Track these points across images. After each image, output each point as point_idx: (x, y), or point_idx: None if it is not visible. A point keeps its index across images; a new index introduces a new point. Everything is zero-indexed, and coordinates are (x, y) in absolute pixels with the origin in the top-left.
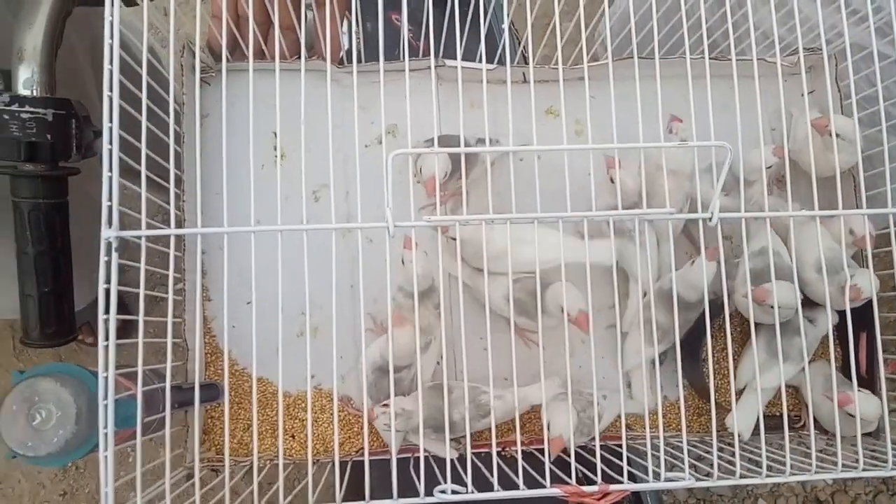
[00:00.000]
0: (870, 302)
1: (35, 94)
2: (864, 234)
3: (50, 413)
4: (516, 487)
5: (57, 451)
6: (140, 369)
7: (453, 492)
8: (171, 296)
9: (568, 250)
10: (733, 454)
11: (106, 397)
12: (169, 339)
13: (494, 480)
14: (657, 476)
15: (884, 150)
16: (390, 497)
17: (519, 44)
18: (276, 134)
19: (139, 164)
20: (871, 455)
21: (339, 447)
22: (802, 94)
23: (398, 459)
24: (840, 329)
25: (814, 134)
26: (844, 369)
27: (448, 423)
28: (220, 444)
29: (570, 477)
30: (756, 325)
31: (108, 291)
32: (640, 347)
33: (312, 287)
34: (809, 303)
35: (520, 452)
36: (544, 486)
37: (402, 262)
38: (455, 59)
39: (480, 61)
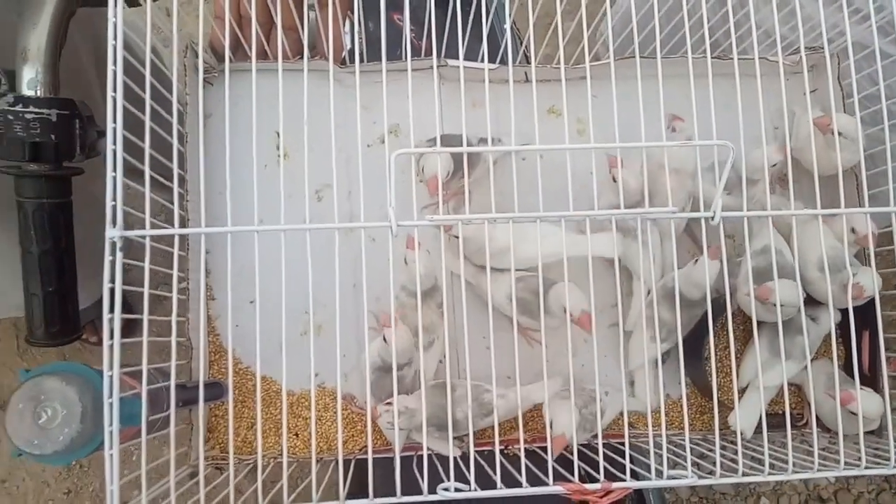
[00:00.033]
0: (872, 300)
1: (39, 94)
2: (866, 232)
3: (55, 411)
4: (519, 485)
5: (63, 449)
6: (145, 368)
7: (456, 489)
8: (175, 295)
9: (570, 244)
10: (736, 452)
11: (111, 396)
12: (173, 338)
13: (497, 478)
14: (660, 474)
15: (886, 149)
16: (394, 495)
17: (521, 43)
18: (279, 134)
19: (143, 164)
20: (873, 453)
21: (343, 445)
22: (804, 93)
23: (401, 458)
24: (843, 327)
25: (816, 132)
26: (847, 367)
27: (451, 421)
28: (224, 442)
29: (572, 475)
30: (759, 323)
31: (112, 291)
32: (645, 346)
33: (315, 286)
34: (812, 301)
35: (523, 450)
36: (547, 484)
37: (406, 262)
38: (457, 58)
39: (482, 61)
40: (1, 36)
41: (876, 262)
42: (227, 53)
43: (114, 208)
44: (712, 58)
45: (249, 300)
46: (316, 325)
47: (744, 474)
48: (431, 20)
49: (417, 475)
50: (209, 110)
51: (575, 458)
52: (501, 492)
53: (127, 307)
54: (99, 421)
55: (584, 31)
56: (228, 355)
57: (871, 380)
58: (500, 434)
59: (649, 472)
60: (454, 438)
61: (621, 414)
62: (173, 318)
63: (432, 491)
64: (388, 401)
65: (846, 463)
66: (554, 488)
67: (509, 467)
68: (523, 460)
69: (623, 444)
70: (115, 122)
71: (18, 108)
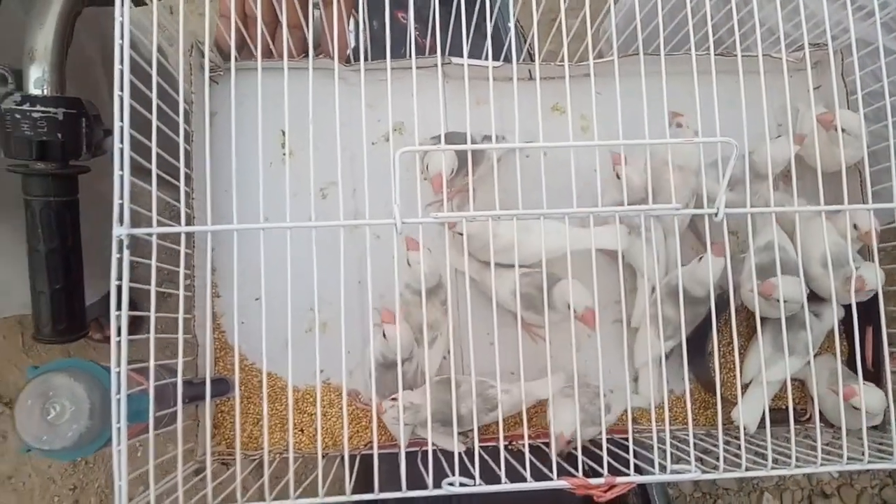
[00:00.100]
0: (876, 296)
1: (46, 93)
2: (869, 228)
3: (64, 408)
4: (523, 480)
5: (71, 445)
6: (152, 365)
7: (461, 484)
8: (181, 292)
9: (574, 238)
10: (739, 447)
11: (118, 392)
12: (180, 335)
13: (502, 473)
14: (663, 468)
15: (889, 146)
16: (399, 489)
17: (525, 41)
18: (284, 132)
19: (149, 162)
20: (877, 448)
21: (348, 441)
22: (808, 90)
23: (406, 453)
24: (846, 323)
25: (819, 129)
26: (850, 363)
27: (456, 416)
28: (230, 438)
29: (576, 469)
30: (762, 319)
31: (119, 288)
32: (651, 343)
33: (320, 283)
34: (815, 297)
35: (527, 446)
36: (551, 479)
37: (408, 264)
38: (461, 56)
39: (486, 58)
40: (8, 35)
41: (879, 258)
42: (234, 52)
43: (121, 206)
44: (716, 55)
45: (255, 297)
46: (321, 323)
47: (747, 469)
48: (436, 18)
49: (422, 470)
50: (214, 109)
51: (579, 453)
52: (506, 486)
53: (131, 304)
54: (106, 417)
55: (587, 28)
56: (235, 352)
57: (874, 375)
58: (504, 429)
59: (653, 466)
60: (459, 434)
61: (626, 410)
62: (180, 315)
63: (437, 486)
64: (394, 396)
65: (849, 458)
66: (558, 483)
67: (513, 462)
68: (527, 455)
69: (627, 439)
70: (122, 120)
71: (25, 106)
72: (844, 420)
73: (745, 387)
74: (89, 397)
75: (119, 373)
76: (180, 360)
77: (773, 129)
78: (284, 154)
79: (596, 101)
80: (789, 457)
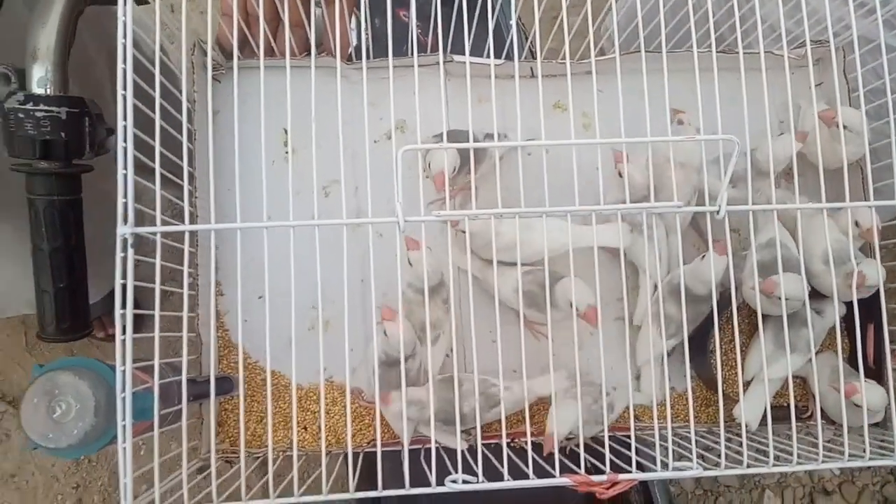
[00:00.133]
0: (877, 293)
1: (49, 92)
2: (870, 225)
3: (69, 406)
4: (526, 477)
5: (76, 443)
6: (157, 363)
7: (464, 481)
8: (185, 291)
9: (576, 236)
10: (741, 444)
11: (124, 390)
12: (184, 334)
13: (504, 470)
14: (665, 466)
15: (891, 143)
16: (402, 487)
17: (527, 39)
18: (286, 130)
19: (153, 161)
20: (878, 444)
21: (351, 439)
22: (810, 87)
23: (409, 451)
24: (847, 320)
25: (821, 126)
26: (852, 360)
27: (458, 415)
28: (234, 436)
29: (579, 467)
30: (764, 316)
31: (124, 287)
32: (653, 341)
33: (323, 281)
34: (817, 294)
35: (529, 443)
36: (554, 476)
37: (410, 263)
38: (463, 54)
39: (488, 56)
40: (11, 35)
41: (881, 256)
42: (236, 51)
43: (125, 205)
44: (717, 52)
45: (258, 295)
46: (324, 321)
47: (748, 466)
48: (437, 16)
49: (425, 467)
50: (217, 107)
51: (581, 450)
52: (508, 483)
53: (135, 303)
54: (112, 415)
55: (589, 25)
56: (239, 350)
57: (875, 372)
58: (507, 427)
59: (655, 464)
60: (461, 432)
61: (627, 407)
62: (184, 313)
63: (440, 483)
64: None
65: (850, 454)
66: (561, 480)
67: (516, 460)
68: (530, 453)
69: (629, 436)
70: (125, 119)
71: (29, 106)
72: (846, 417)
73: (746, 384)
74: (94, 395)
75: (124, 371)
76: (184, 358)
77: (775, 126)
78: (287, 152)
79: (598, 98)
80: (791, 454)
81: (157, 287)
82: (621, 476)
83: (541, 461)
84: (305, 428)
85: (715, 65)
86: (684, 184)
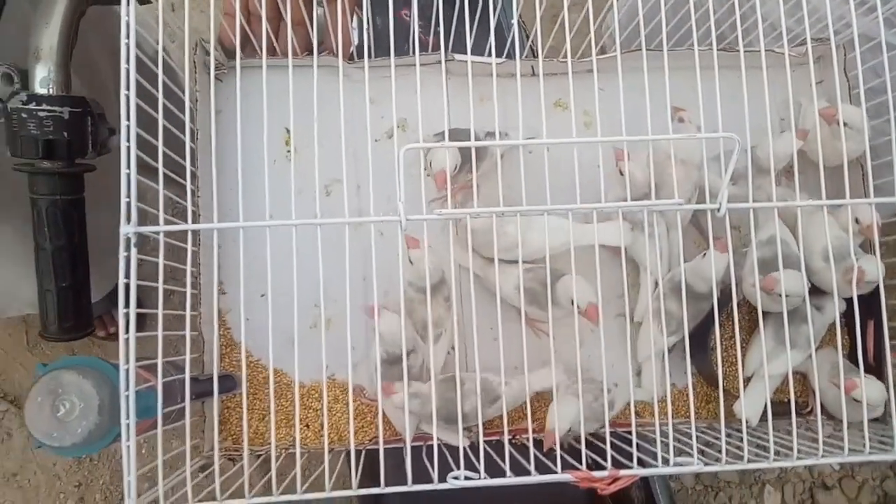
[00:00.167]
0: (877, 290)
1: (52, 92)
2: (870, 222)
3: (73, 405)
4: (528, 473)
5: (81, 441)
6: (160, 361)
7: (466, 478)
8: (188, 290)
9: (577, 234)
10: (741, 440)
11: (127, 389)
12: (188, 332)
13: (506, 467)
14: (666, 461)
15: (892, 140)
16: (404, 483)
17: (528, 37)
18: (288, 130)
19: (155, 160)
20: (878, 440)
21: (353, 436)
22: (811, 85)
23: (411, 447)
24: (847, 317)
25: (821, 123)
26: (852, 356)
27: (461, 413)
28: (236, 434)
29: (580, 463)
30: (764, 313)
31: (127, 286)
32: (654, 338)
33: (325, 280)
34: (817, 291)
35: (531, 440)
36: (555, 472)
37: (410, 262)
38: (464, 53)
39: (489, 55)
40: (14, 34)
41: (881, 252)
42: (238, 50)
43: (128, 205)
44: (718, 50)
45: (260, 294)
46: (326, 319)
47: (749, 461)
48: (439, 15)
49: (427, 464)
50: (219, 106)
51: (583, 446)
52: (510, 480)
53: (137, 302)
54: (115, 414)
55: (590, 24)
56: (242, 348)
57: (875, 368)
58: (508, 424)
59: (655, 459)
60: (463, 429)
61: (628, 404)
62: (187, 312)
63: (442, 480)
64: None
65: (850, 449)
66: (562, 476)
67: (518, 456)
68: (532, 449)
69: (630, 432)
70: (128, 119)
71: (31, 106)
72: (845, 412)
73: (746, 380)
74: (98, 394)
75: (128, 370)
76: (188, 356)
77: (776, 124)
78: (289, 151)
79: (599, 96)
80: (791, 449)
81: (161, 286)
82: (622, 472)
83: (542, 458)
84: (307, 425)
85: (716, 63)
86: (685, 181)
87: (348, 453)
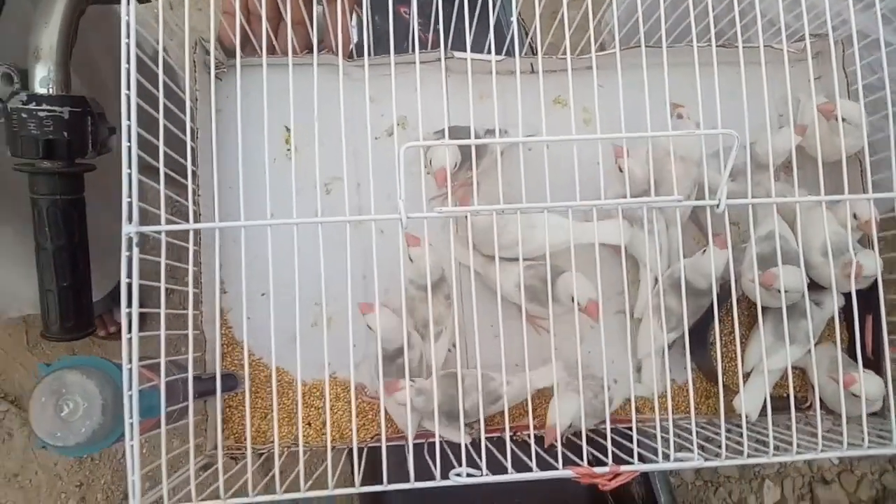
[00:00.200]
0: (875, 284)
1: (51, 92)
2: (869, 217)
3: (77, 404)
4: (529, 470)
5: (84, 441)
6: (163, 361)
7: (468, 475)
8: (190, 289)
9: (577, 232)
10: (741, 435)
11: (130, 388)
12: (190, 331)
13: (508, 463)
14: (666, 457)
15: (890, 135)
16: (407, 481)
17: (527, 35)
18: (288, 128)
19: (156, 160)
20: (876, 434)
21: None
22: (809, 80)
23: (413, 445)
24: (846, 312)
25: (820, 119)
26: (850, 351)
27: (462, 410)
28: (238, 432)
29: (581, 459)
30: (763, 308)
31: (129, 286)
32: (654, 334)
33: (326, 278)
34: (815, 286)
35: (532, 436)
36: (557, 468)
37: (410, 259)
38: (464, 50)
39: (489, 52)
40: (14, 35)
41: (879, 248)
42: (238, 49)
43: (129, 204)
44: (717, 46)
45: (261, 293)
46: (327, 317)
47: (749, 456)
48: (438, 13)
49: (429, 462)
50: (219, 106)
51: (584, 442)
52: (512, 476)
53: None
54: (118, 413)
55: (589, 20)
56: (244, 347)
57: (873, 363)
58: (509, 421)
59: (656, 455)
60: (464, 425)
61: (628, 400)
62: (189, 311)
63: (444, 477)
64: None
65: (849, 444)
66: (563, 472)
67: (519, 453)
68: (533, 446)
69: (630, 428)
70: (129, 119)
71: (31, 106)
72: (844, 407)
73: (746, 375)
74: (101, 394)
75: (131, 369)
76: (190, 355)
77: (774, 120)
78: (289, 150)
79: (598, 93)
80: (790, 444)
81: (163, 285)
82: (623, 467)
83: (543, 454)
84: (309, 424)
85: (715, 59)
86: (684, 178)
87: (350, 451)
